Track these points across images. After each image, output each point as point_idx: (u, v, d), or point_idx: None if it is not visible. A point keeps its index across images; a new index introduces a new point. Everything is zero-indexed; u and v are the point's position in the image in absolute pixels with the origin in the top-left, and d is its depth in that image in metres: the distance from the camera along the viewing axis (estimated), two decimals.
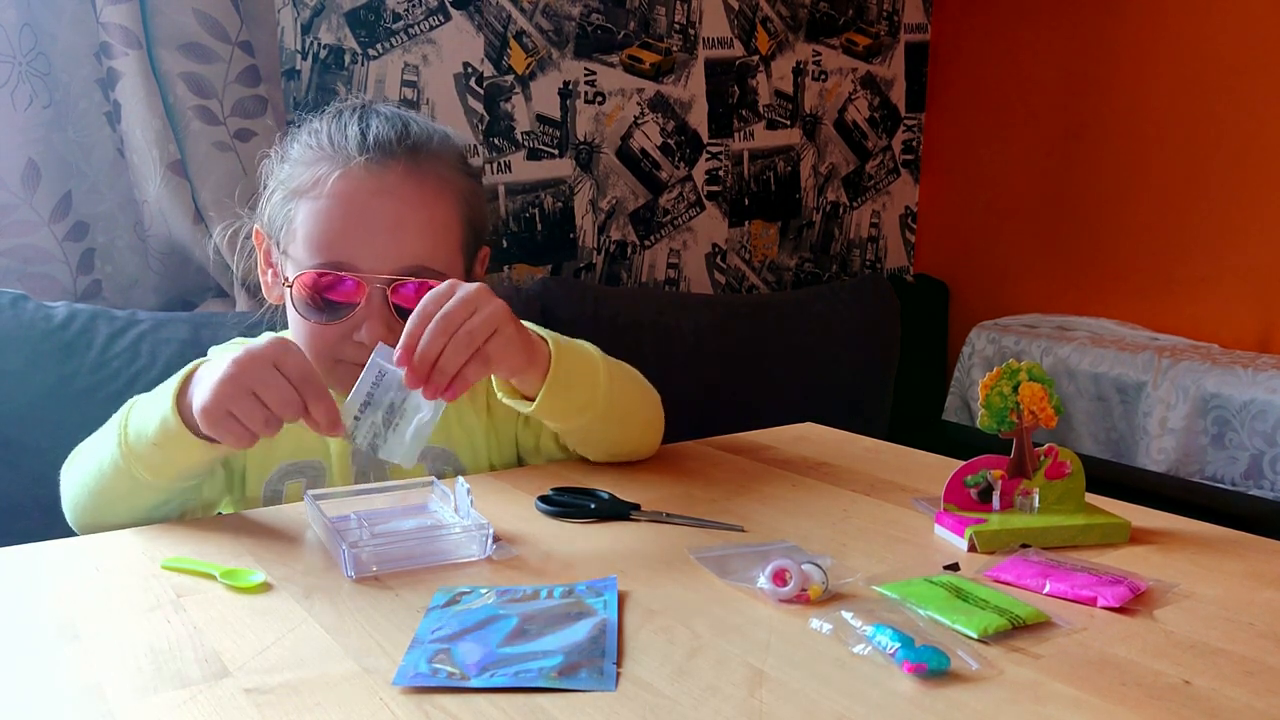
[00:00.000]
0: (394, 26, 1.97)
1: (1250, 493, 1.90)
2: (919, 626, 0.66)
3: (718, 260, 2.49)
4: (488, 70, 2.09)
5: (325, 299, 1.00)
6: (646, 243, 2.37)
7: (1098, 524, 0.85)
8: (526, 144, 2.16)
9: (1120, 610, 0.70)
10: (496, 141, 2.13)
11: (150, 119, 1.55)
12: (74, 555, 0.82)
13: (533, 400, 0.96)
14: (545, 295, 1.90)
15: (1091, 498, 0.90)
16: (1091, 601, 0.71)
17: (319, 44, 1.91)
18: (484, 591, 0.73)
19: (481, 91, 2.09)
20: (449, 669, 0.61)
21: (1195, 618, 0.70)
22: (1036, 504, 0.86)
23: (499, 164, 2.14)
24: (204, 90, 1.59)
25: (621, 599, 0.72)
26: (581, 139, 2.23)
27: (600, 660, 0.63)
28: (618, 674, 0.62)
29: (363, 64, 1.95)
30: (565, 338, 1.01)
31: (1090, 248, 2.44)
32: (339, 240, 1.00)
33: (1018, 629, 0.67)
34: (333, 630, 0.68)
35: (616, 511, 0.91)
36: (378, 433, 0.85)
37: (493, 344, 0.86)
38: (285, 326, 1.12)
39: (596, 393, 0.99)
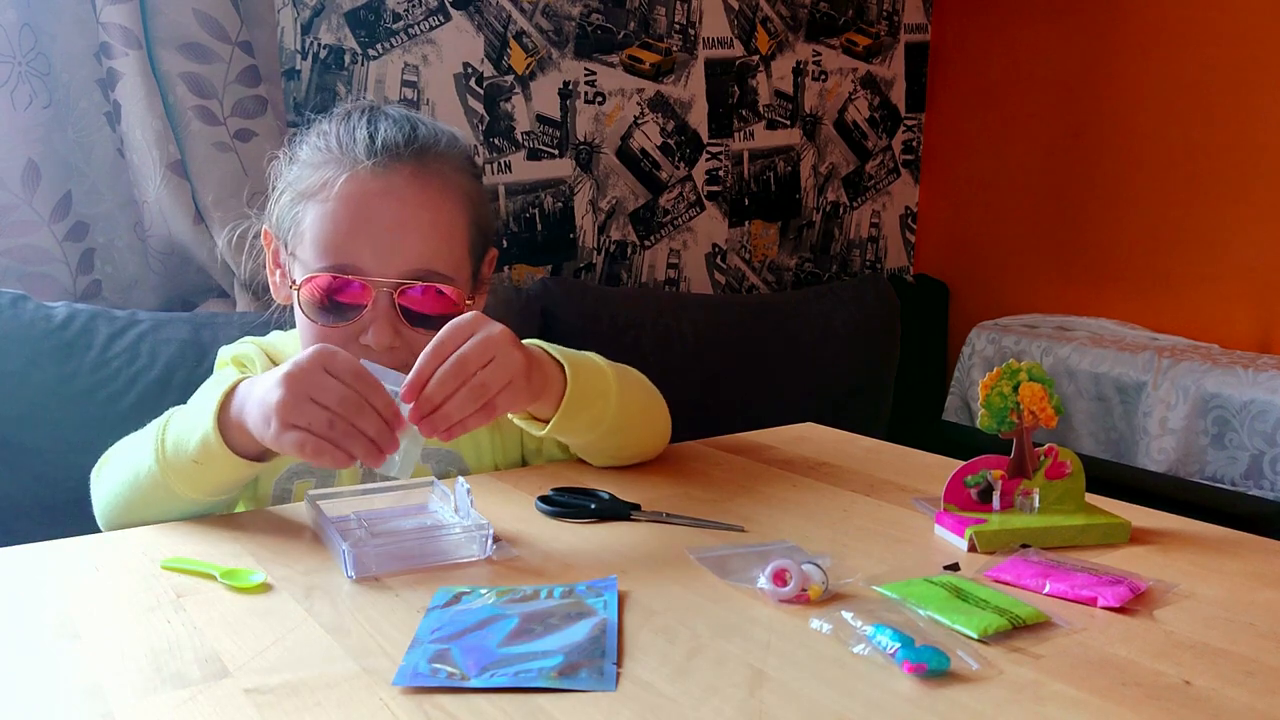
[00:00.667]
0: (394, 26, 1.97)
1: (1250, 493, 1.90)
2: (919, 627, 0.66)
3: (718, 260, 2.49)
4: (488, 70, 2.09)
5: (332, 301, 1.00)
6: (646, 243, 2.37)
7: (1098, 524, 0.85)
8: (526, 144, 2.16)
9: (1120, 610, 0.70)
10: (496, 142, 2.13)
11: (150, 119, 1.55)
12: (74, 555, 0.82)
13: (546, 423, 0.96)
14: (545, 295, 1.90)
15: (1091, 498, 0.90)
16: (1092, 601, 0.71)
17: (319, 44, 1.91)
18: (484, 592, 0.73)
19: (481, 92, 2.09)
20: (449, 669, 0.61)
21: (1195, 618, 0.70)
22: (1036, 504, 0.86)
23: (499, 164, 2.14)
24: (204, 90, 1.59)
25: (621, 599, 0.72)
26: (581, 139, 2.23)
27: (600, 660, 0.62)
28: (618, 674, 0.62)
29: (363, 64, 1.95)
30: (577, 355, 1.00)
31: (1090, 248, 2.44)
32: (346, 243, 1.00)
33: (1018, 629, 0.67)
34: (333, 630, 0.68)
35: (616, 512, 0.91)
36: None
37: (503, 396, 0.85)
38: (288, 327, 1.13)
39: (608, 411, 0.99)
